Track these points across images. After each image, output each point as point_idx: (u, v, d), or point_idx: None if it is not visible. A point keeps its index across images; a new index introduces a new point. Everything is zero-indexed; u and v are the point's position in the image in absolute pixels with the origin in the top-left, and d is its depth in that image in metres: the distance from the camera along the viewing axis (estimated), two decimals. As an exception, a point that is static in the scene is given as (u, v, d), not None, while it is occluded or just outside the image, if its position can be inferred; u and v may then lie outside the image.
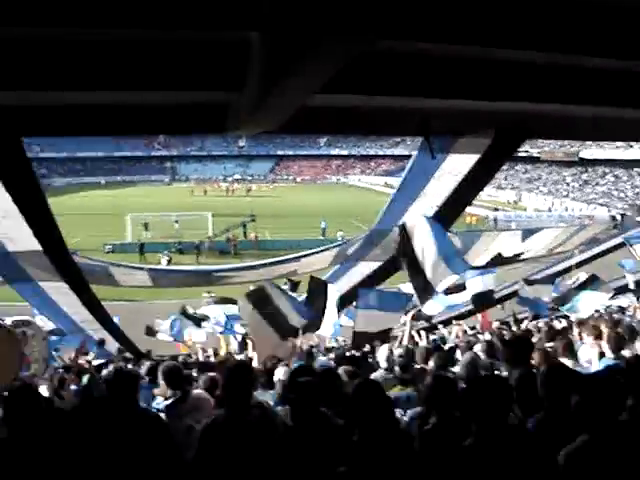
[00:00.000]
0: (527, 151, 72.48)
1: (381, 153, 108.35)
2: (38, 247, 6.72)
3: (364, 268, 10.67)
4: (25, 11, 2.91)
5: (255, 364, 7.64)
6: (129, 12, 2.93)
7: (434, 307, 11.18)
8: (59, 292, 8.86)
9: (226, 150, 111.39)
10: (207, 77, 3.89)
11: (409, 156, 7.35)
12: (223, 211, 55.15)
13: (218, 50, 3.71)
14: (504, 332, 10.37)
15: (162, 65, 3.79)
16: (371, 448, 3.15)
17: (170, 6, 2.92)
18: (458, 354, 7.80)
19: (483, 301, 12.16)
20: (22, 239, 6.62)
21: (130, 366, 9.92)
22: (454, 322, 11.97)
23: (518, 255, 11.50)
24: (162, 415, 4.74)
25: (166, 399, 5.21)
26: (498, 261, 11.42)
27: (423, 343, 8.89)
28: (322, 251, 10.47)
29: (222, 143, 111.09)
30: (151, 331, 14.66)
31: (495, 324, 12.62)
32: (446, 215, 8.16)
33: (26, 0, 2.88)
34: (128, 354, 12.71)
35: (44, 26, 3.07)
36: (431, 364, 6.22)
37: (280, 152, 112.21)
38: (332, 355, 9.64)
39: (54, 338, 12.88)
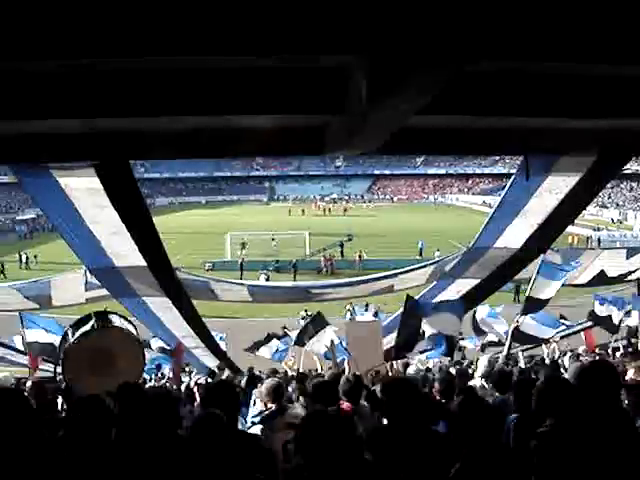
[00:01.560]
0: (632, 168, 69.63)
1: (479, 171, 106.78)
2: (143, 263, 7.07)
3: (462, 286, 10.60)
4: (135, 42, 3.16)
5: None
6: (230, 40, 3.13)
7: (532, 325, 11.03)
8: (162, 307, 9.21)
9: (323, 170, 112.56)
10: (307, 101, 3.98)
11: (508, 174, 7.32)
12: (320, 230, 55.69)
13: (318, 74, 3.80)
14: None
15: (261, 90, 3.96)
16: (480, 459, 3.20)
17: (273, 33, 3.09)
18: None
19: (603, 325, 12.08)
20: (128, 255, 6.98)
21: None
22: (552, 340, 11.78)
23: (624, 275, 11.11)
24: (257, 427, 4.91)
25: (261, 412, 5.35)
26: (602, 280, 11.13)
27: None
28: (419, 268, 10.48)
29: (319, 163, 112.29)
30: (256, 346, 14.55)
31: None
32: (547, 234, 8.08)
33: (139, 34, 3.12)
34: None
35: (154, 55, 3.31)
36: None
37: (377, 171, 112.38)
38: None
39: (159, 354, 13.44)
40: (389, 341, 11.27)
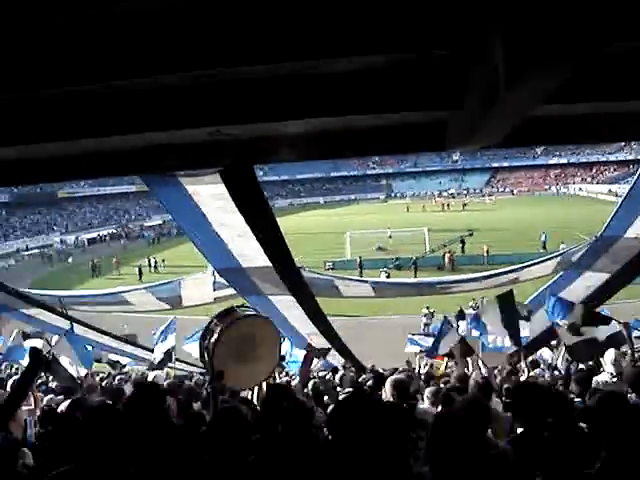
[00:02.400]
0: None
1: (604, 159, 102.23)
2: (268, 263, 7.28)
3: (590, 281, 10.22)
4: (257, 49, 3.30)
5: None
6: (349, 40, 3.21)
7: None
8: (287, 306, 9.45)
9: (440, 165, 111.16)
10: (426, 97, 3.95)
11: (636, 160, 6.97)
12: (439, 226, 55.13)
13: (437, 68, 3.78)
14: None
15: (384, 88, 4.00)
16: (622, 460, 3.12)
17: (393, 31, 3.14)
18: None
19: None
20: (254, 256, 7.22)
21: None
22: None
23: None
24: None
25: None
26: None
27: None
28: (544, 260, 10.24)
29: (436, 158, 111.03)
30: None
31: None
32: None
33: (257, 42, 3.26)
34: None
35: (274, 62, 3.44)
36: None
37: (495, 164, 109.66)
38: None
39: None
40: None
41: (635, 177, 7.27)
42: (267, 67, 3.58)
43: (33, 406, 6.59)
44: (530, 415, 3.88)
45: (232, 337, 6.03)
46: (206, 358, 6.25)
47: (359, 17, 3.15)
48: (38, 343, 11.68)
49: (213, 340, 6.10)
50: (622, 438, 3.14)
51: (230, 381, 5.73)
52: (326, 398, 7.72)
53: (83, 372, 10.66)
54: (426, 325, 23.22)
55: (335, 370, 11.75)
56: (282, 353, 10.60)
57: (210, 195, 5.99)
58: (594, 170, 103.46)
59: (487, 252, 41.71)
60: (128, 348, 14.37)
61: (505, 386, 7.32)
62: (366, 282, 10.58)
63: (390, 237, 50.51)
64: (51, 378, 11.50)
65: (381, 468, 2.89)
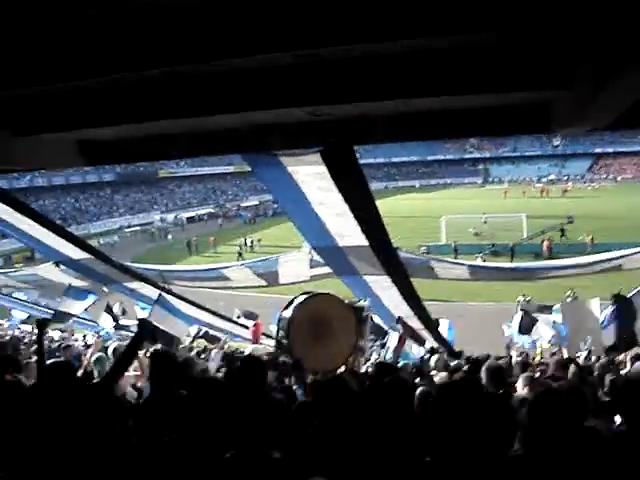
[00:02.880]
0: None
1: None
2: (365, 243, 7.35)
3: None
4: (355, 29, 3.35)
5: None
6: (446, 19, 3.20)
7: None
8: (381, 286, 9.49)
9: (540, 150, 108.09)
10: (532, 76, 3.90)
11: None
12: (537, 213, 53.78)
13: (546, 46, 3.70)
14: None
15: (482, 67, 3.97)
16: None
17: (494, 9, 3.12)
18: None
19: None
20: (351, 235, 7.29)
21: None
22: None
23: None
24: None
25: None
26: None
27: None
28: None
29: (535, 143, 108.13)
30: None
31: None
32: None
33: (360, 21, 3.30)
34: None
35: (376, 42, 3.48)
36: None
37: (598, 149, 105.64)
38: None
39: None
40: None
41: None
42: (366, 46, 3.61)
43: (140, 372, 6.95)
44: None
45: (303, 318, 6.08)
46: (284, 345, 6.32)
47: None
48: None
49: (286, 327, 6.16)
50: None
51: (309, 364, 5.78)
52: (418, 380, 7.73)
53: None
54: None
55: (432, 351, 11.70)
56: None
57: (310, 174, 6.08)
58: None
59: (592, 240, 40.50)
60: (226, 325, 14.75)
61: (609, 378, 7.12)
62: (463, 265, 10.47)
63: (485, 222, 49.70)
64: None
65: (476, 452, 2.91)
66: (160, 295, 11.28)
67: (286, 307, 6.46)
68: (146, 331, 5.09)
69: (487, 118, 5.18)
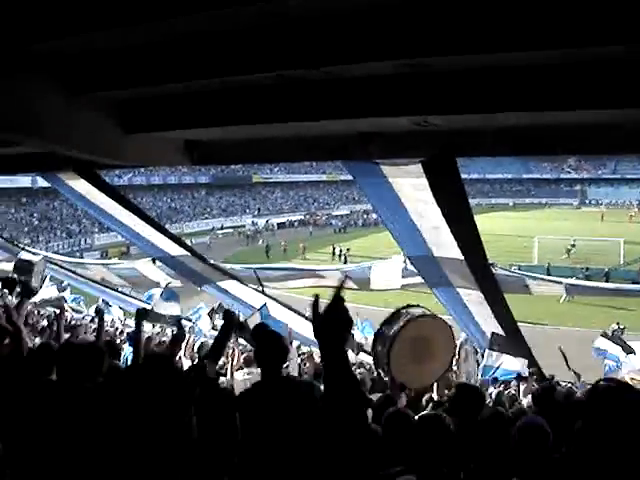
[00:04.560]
0: None
1: None
2: (461, 257, 7.31)
3: None
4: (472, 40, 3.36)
5: None
6: (556, 32, 3.18)
7: None
8: (474, 301, 9.39)
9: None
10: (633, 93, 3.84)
11: None
12: (636, 238, 51.83)
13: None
14: None
15: (593, 83, 3.90)
16: None
17: (607, 22, 3.07)
18: None
19: None
20: (448, 248, 7.26)
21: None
22: None
23: None
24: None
25: None
26: None
27: None
28: None
29: (638, 165, 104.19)
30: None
31: None
32: None
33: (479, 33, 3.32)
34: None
35: (483, 53, 3.48)
36: None
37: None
38: None
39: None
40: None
41: None
42: (477, 57, 3.62)
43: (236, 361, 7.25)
44: None
45: (405, 340, 6.04)
46: (383, 364, 6.29)
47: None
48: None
49: (387, 345, 6.13)
50: None
51: (407, 379, 5.78)
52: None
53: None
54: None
55: (521, 378, 11.48)
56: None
57: (410, 185, 6.11)
58: None
59: None
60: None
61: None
62: (560, 283, 10.26)
63: (573, 246, 48.23)
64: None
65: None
66: (264, 305, 11.47)
67: (388, 321, 6.43)
68: (231, 323, 5.21)
69: (594, 136, 5.09)
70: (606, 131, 4.97)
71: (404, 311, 6.16)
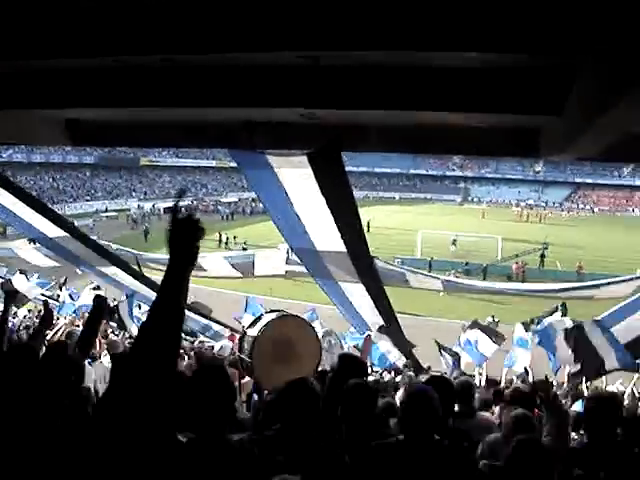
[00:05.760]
0: None
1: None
2: (343, 249, 7.38)
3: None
4: (360, 36, 3.38)
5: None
6: (451, 36, 3.24)
7: None
8: (355, 293, 9.53)
9: (521, 174, 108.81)
10: (524, 100, 3.97)
11: None
12: (513, 236, 54.25)
13: (539, 73, 3.79)
14: None
15: (479, 88, 4.02)
16: None
17: (494, 32, 3.16)
18: None
19: None
20: (330, 240, 7.30)
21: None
22: None
23: None
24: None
25: None
26: None
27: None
28: (623, 281, 10.02)
29: (517, 167, 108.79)
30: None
31: None
32: None
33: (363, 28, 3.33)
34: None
35: (377, 49, 3.51)
36: None
37: (578, 179, 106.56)
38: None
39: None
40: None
41: None
42: (366, 55, 3.65)
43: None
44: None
45: (266, 340, 6.06)
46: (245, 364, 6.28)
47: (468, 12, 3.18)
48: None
49: (249, 348, 6.14)
50: None
51: (268, 384, 5.76)
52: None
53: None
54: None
55: (397, 371, 11.81)
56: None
57: (295, 176, 6.10)
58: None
59: (579, 268, 40.81)
60: (201, 320, 14.68)
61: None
62: (437, 278, 10.57)
63: (455, 242, 49.94)
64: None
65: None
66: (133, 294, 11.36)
67: (252, 324, 6.46)
68: (101, 308, 5.09)
69: (479, 137, 5.25)
70: (486, 133, 5.14)
71: (267, 314, 6.24)
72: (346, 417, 3.65)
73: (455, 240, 50.09)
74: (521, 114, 4.21)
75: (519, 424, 4.36)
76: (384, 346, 13.06)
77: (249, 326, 6.44)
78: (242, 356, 6.21)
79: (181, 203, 2.11)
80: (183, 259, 2.12)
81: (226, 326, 14.94)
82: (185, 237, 2.12)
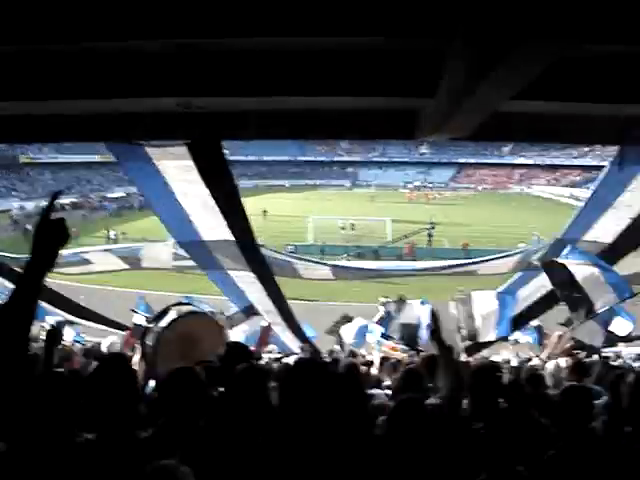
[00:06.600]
0: None
1: (568, 163, 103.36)
2: (230, 237, 7.34)
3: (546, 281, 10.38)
4: (233, 23, 3.35)
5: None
6: (322, 20, 3.27)
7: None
8: (246, 282, 9.51)
9: (407, 157, 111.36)
10: (399, 83, 4.05)
11: (598, 167, 7.07)
12: (402, 217, 55.48)
13: (411, 56, 3.87)
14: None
15: (353, 71, 4.07)
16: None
17: (367, 15, 3.21)
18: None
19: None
20: (216, 229, 7.25)
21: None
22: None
23: None
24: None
25: None
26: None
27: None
28: (504, 257, 10.40)
29: (403, 150, 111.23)
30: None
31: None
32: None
33: (239, 15, 3.31)
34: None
35: (247, 36, 3.49)
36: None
37: (462, 159, 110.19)
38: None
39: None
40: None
41: (596, 182, 7.43)
42: (240, 40, 3.62)
43: None
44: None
45: (170, 338, 5.94)
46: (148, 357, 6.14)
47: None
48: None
49: (153, 342, 6.00)
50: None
51: None
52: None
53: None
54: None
55: (290, 355, 11.84)
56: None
57: (176, 167, 6.02)
58: (558, 173, 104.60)
59: (465, 245, 42.43)
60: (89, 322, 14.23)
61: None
62: (325, 264, 10.67)
63: (353, 226, 50.68)
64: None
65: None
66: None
67: (156, 319, 6.28)
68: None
69: (356, 121, 5.31)
70: (364, 117, 5.21)
71: (174, 307, 6.09)
72: (236, 402, 3.63)
73: (345, 225, 50.74)
74: (397, 96, 4.28)
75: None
76: (282, 332, 13.20)
77: (153, 320, 6.25)
78: (145, 350, 6.03)
79: (57, 202, 2.05)
80: (43, 262, 2.06)
81: (111, 324, 14.50)
82: (49, 240, 2.07)
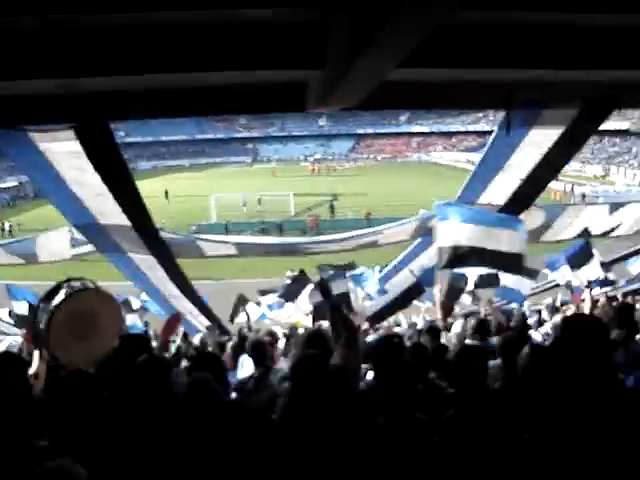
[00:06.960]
0: (616, 124, 69.06)
1: (463, 129, 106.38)
2: (127, 223, 7.13)
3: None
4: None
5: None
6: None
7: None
8: (147, 265, 9.31)
9: (307, 130, 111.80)
10: (287, 55, 3.97)
11: (491, 132, 7.28)
12: (305, 191, 55.78)
13: (297, 28, 3.80)
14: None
15: (241, 45, 3.99)
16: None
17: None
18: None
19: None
20: (113, 215, 7.02)
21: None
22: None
23: (608, 232, 10.98)
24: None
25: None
26: (585, 237, 11.14)
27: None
28: (403, 224, 10.53)
29: (302, 123, 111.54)
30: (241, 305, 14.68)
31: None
32: (530, 190, 8.09)
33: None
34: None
35: (131, 11, 3.36)
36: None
37: (360, 130, 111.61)
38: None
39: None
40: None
41: (486, 147, 7.61)
42: (122, 16, 3.49)
43: None
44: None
45: (63, 317, 5.71)
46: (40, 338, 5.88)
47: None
48: None
49: (45, 322, 5.76)
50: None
51: (69, 359, 5.44)
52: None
53: None
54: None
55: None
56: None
57: (64, 153, 5.77)
58: (454, 139, 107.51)
59: (367, 215, 43.30)
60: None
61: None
62: (228, 242, 10.54)
63: (259, 201, 50.66)
64: None
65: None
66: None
67: (47, 297, 6.00)
68: None
69: (245, 95, 5.24)
70: (259, 90, 5.14)
71: (65, 285, 5.81)
72: (137, 396, 3.55)
73: (245, 202, 50.66)
74: (285, 69, 4.24)
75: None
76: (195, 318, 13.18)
77: (43, 299, 5.96)
78: (36, 329, 5.74)
79: None
80: None
81: None
82: None
